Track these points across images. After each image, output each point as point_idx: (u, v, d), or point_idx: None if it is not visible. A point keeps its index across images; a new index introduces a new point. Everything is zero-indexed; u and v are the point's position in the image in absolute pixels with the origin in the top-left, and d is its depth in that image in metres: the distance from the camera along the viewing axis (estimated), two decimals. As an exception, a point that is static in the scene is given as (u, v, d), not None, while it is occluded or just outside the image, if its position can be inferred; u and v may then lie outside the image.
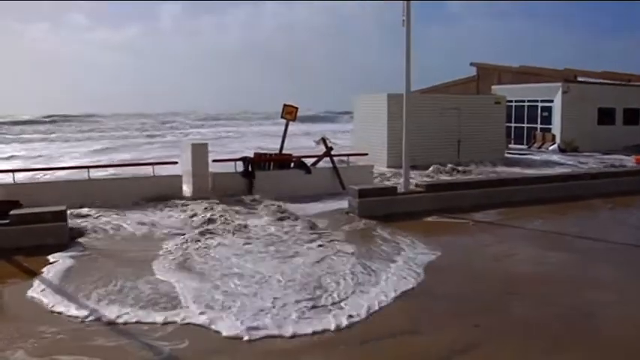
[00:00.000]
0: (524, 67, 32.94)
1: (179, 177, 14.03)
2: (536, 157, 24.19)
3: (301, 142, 27.88)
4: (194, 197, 13.41)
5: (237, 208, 12.68)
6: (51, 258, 9.02)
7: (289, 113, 15.64)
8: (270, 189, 13.98)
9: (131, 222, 11.37)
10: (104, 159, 25.44)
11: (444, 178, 17.76)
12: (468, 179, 16.09)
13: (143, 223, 11.29)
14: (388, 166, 19.52)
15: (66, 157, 27.29)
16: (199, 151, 14.07)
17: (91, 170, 13.93)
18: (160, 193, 13.25)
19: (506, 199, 14.02)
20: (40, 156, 28.34)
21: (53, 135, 46.98)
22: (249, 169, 14.52)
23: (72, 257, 9.09)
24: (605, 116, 28.54)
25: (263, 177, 14.56)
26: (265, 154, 15.61)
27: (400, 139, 14.07)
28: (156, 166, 14.33)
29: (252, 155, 15.23)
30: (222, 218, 11.43)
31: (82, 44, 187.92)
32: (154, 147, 33.89)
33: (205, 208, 12.19)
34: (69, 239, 10.07)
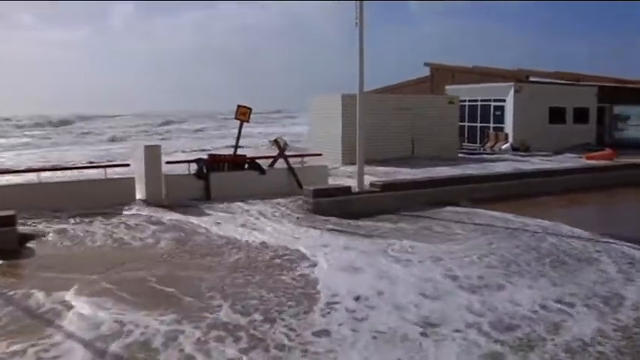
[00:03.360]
0: (477, 67, 33.41)
1: (132, 179, 13.84)
2: (491, 156, 24.63)
3: (258, 142, 27.77)
4: (147, 201, 13.27)
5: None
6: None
7: (243, 114, 15.55)
8: (226, 191, 13.97)
9: (79, 229, 11.11)
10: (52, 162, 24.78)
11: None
12: (422, 178, 16.25)
13: (90, 232, 10.97)
14: (343, 165, 19.62)
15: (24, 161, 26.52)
16: (152, 153, 13.84)
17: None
18: (113, 197, 13.04)
19: (461, 197, 14.26)
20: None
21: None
22: (204, 170, 14.41)
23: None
24: (556, 115, 29.09)
25: (218, 178, 14.47)
26: (220, 156, 15.51)
27: (354, 139, 14.20)
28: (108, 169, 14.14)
29: (206, 157, 15.12)
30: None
31: (32, 44, 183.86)
32: (107, 149, 33.30)
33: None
34: (18, 245, 9.87)
